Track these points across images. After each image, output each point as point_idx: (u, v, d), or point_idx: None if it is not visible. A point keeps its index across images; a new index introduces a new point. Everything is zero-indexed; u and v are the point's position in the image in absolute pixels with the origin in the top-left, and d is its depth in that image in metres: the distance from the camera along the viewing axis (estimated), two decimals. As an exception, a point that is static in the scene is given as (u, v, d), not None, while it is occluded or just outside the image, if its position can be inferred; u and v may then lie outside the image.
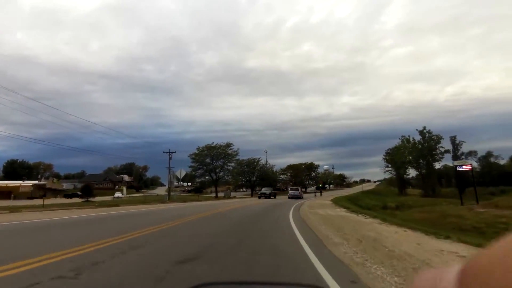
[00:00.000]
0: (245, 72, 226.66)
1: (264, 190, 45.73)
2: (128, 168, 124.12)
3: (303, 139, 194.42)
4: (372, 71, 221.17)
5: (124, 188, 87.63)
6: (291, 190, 45.90)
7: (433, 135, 65.85)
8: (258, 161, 76.08)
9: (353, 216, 13.48)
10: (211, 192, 78.72)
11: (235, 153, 67.90)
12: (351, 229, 8.39)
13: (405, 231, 8.27)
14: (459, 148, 70.70)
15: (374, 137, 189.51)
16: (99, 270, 3.75)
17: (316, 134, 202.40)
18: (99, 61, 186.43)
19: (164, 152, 48.36)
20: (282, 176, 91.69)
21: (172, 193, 44.78)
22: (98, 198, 43.04)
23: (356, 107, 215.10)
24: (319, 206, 20.42)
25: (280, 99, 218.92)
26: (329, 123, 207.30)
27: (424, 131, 66.40)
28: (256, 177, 74.43)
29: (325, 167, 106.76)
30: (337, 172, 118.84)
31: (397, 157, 71.30)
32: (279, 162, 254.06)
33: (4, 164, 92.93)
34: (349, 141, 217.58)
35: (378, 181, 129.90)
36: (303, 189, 62.56)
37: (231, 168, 70.55)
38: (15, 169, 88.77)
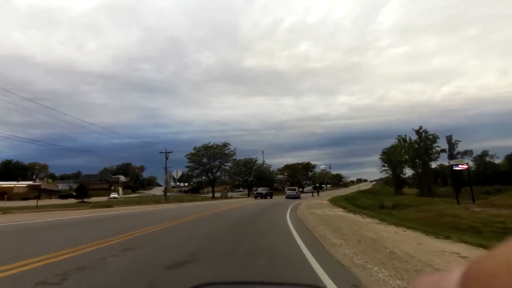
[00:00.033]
0: (243, 72, 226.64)
1: (260, 190, 45.16)
2: (125, 169, 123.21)
3: (300, 139, 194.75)
4: (369, 71, 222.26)
5: (120, 189, 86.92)
6: (288, 190, 46.09)
7: (429, 135, 66.21)
8: (255, 161, 75.90)
9: (350, 216, 13.36)
10: (208, 192, 78.37)
11: (232, 153, 67.70)
12: (349, 230, 8.24)
13: (404, 231, 8.15)
14: (455, 147, 71.18)
15: (371, 137, 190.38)
16: (86, 275, 3.55)
17: (313, 134, 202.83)
18: (95, 61, 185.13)
19: (160, 152, 48.06)
20: (279, 176, 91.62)
21: (168, 194, 44.43)
22: (93, 199, 42.57)
23: (353, 107, 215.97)
24: (316, 206, 20.29)
25: (278, 99, 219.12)
26: (326, 123, 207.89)
27: (421, 130, 66.75)
28: (253, 177, 74.20)
29: (322, 166, 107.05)
30: (334, 172, 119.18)
31: (393, 156, 71.54)
32: (276, 162, 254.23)
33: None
34: (346, 140, 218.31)
35: (374, 180, 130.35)
36: (300, 189, 62.48)
37: (228, 168, 70.30)
38: (9, 169, 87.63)
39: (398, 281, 3.46)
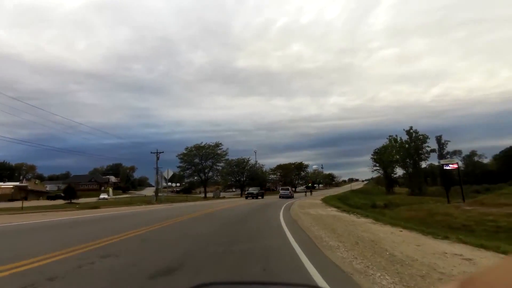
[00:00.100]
0: (235, 72, 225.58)
1: (251, 190, 44.20)
2: (115, 169, 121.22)
3: (293, 139, 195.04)
4: (359, 72, 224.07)
5: (110, 189, 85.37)
6: (282, 189, 46.39)
7: (419, 135, 67.04)
8: (248, 161, 75.55)
9: (344, 215, 13.13)
10: (200, 193, 77.64)
11: (224, 153, 67.20)
12: (345, 230, 7.96)
13: (400, 231, 7.92)
14: (444, 147, 72.04)
15: (362, 137, 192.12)
16: (56, 287, 3.14)
17: (306, 135, 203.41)
18: (85, 60, 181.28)
19: (151, 152, 47.23)
20: (272, 176, 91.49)
21: (160, 194, 43.66)
22: (82, 200, 41.45)
23: (344, 108, 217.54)
24: (309, 205, 20.05)
25: (270, 99, 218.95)
26: (318, 124, 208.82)
27: (411, 131, 67.52)
28: (245, 177, 73.80)
29: (315, 166, 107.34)
30: (326, 172, 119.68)
31: (384, 156, 72.22)
32: (269, 162, 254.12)
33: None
34: (338, 141, 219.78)
35: (366, 180, 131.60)
36: (293, 189, 62.42)
37: (220, 168, 69.75)
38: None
39: (404, 289, 3.15)
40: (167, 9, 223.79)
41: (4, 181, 69.02)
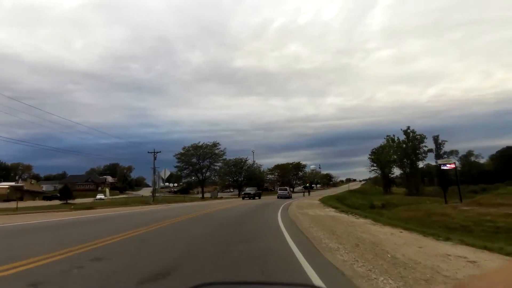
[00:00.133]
0: (232, 72, 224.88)
1: (248, 190, 43.05)
2: (112, 169, 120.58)
3: (290, 139, 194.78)
4: (357, 72, 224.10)
5: (107, 190, 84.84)
6: (280, 190, 46.26)
7: (416, 135, 67.16)
8: (245, 161, 75.35)
9: (343, 216, 12.99)
10: (197, 193, 77.28)
11: (221, 152, 66.85)
12: (344, 231, 7.81)
13: (401, 232, 7.78)
14: (441, 147, 72.31)
15: (360, 137, 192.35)
16: (40, 293, 2.95)
17: (303, 135, 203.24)
18: (82, 60, 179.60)
19: (148, 152, 46.94)
20: (270, 176, 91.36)
21: (157, 194, 43.38)
22: (78, 200, 41.06)
23: (341, 108, 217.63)
24: (307, 206, 19.90)
25: (267, 99, 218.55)
26: (316, 124, 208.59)
27: (408, 130, 67.62)
28: (243, 177, 73.58)
29: (312, 166, 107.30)
30: (324, 172, 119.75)
31: (382, 156, 72.32)
32: (267, 162, 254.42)
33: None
34: (335, 141, 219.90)
35: (363, 180, 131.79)
36: (291, 189, 62.33)
37: (218, 168, 69.43)
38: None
39: (409, 294, 3.00)
40: (164, 9, 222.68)
41: (-1, 181, 68.36)
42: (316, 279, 3.44)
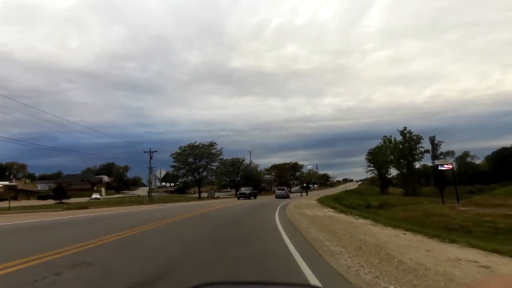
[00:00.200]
0: (230, 72, 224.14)
1: (243, 190, 41.70)
2: (108, 169, 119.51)
3: (288, 140, 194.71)
4: (354, 73, 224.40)
5: (103, 189, 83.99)
6: (278, 190, 46.23)
7: (413, 135, 67.25)
8: (243, 160, 74.89)
9: (342, 216, 12.69)
10: (194, 193, 76.76)
11: (218, 152, 66.37)
12: (345, 233, 7.49)
13: (404, 233, 7.48)
14: (438, 148, 72.43)
15: (357, 138, 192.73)
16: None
17: (300, 135, 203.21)
18: (78, 58, 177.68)
19: (144, 152, 46.34)
20: (267, 176, 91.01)
21: (153, 194, 42.86)
22: (73, 200, 40.41)
23: (339, 108, 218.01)
24: (305, 206, 19.60)
25: (265, 100, 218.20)
26: (313, 124, 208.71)
27: (405, 131, 67.68)
28: (240, 177, 73.14)
29: (309, 167, 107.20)
30: (321, 172, 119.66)
31: (379, 156, 72.34)
32: (264, 162, 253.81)
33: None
34: (333, 141, 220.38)
35: (360, 180, 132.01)
36: (288, 189, 62.08)
37: (215, 168, 68.94)
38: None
39: (425, 306, 2.67)
40: (161, 8, 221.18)
41: (-7, 181, 67.34)
42: (320, 288, 3.10)
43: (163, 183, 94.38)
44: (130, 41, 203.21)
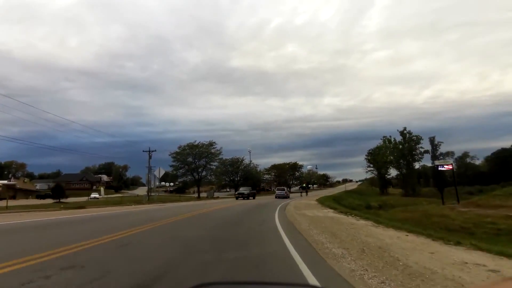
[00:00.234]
0: (229, 71, 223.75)
1: (241, 190, 40.59)
2: (107, 168, 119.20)
3: (287, 140, 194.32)
4: (353, 73, 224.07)
5: (102, 189, 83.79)
6: (278, 190, 46.31)
7: (413, 136, 67.12)
8: (242, 160, 74.71)
9: (343, 217, 12.53)
10: (193, 192, 76.50)
11: (218, 152, 66.14)
12: (346, 234, 7.32)
13: (406, 235, 7.31)
14: (437, 148, 72.41)
15: (356, 138, 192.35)
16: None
17: (300, 135, 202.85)
18: (77, 57, 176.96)
19: (143, 151, 46.15)
20: (266, 176, 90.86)
21: (153, 194, 42.67)
22: (72, 199, 40.22)
23: (338, 108, 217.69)
24: (305, 206, 19.43)
25: (265, 99, 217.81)
26: (313, 124, 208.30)
27: (405, 131, 67.55)
28: (239, 177, 72.94)
29: (309, 167, 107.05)
30: (321, 172, 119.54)
31: (378, 157, 72.20)
32: (263, 162, 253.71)
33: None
34: (332, 141, 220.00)
35: (360, 181, 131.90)
36: (288, 189, 61.96)
37: (214, 167, 68.72)
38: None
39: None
40: (160, 8, 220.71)
41: (-9, 179, 67.07)
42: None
43: (163, 183, 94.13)
44: (130, 40, 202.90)
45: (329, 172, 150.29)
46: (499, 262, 4.49)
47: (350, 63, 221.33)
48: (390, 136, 70.10)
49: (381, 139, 72.84)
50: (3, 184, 62.16)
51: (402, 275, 3.66)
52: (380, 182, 76.30)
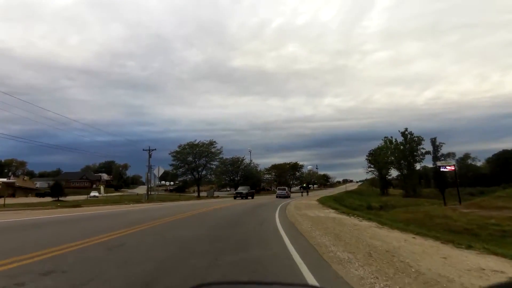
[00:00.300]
0: (230, 71, 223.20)
1: (240, 189, 39.48)
2: (108, 167, 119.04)
3: (288, 140, 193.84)
4: (354, 73, 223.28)
5: (102, 187, 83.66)
6: (279, 189, 46.27)
7: (414, 137, 66.75)
8: (242, 160, 74.36)
9: (345, 218, 12.20)
10: (193, 192, 76.19)
11: (218, 151, 65.78)
12: (350, 236, 6.98)
13: (414, 238, 6.97)
14: (439, 149, 71.96)
15: (357, 138, 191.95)
16: None
17: (301, 135, 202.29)
18: (78, 56, 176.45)
19: (143, 150, 45.83)
20: (267, 176, 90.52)
21: (152, 192, 42.37)
22: (71, 198, 39.99)
23: (339, 109, 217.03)
24: (306, 206, 19.11)
25: (265, 99, 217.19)
26: (313, 124, 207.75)
27: (406, 132, 67.16)
28: (240, 177, 72.62)
29: (309, 167, 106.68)
30: (321, 172, 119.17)
31: (379, 157, 71.87)
32: (264, 162, 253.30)
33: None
34: (333, 142, 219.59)
35: (360, 181, 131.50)
36: (289, 189, 61.69)
37: (214, 167, 68.38)
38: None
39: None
40: (161, 7, 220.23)
41: (-9, 177, 66.92)
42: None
43: (163, 182, 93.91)
44: (130, 39, 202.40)
45: (329, 173, 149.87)
46: (519, 269, 4.16)
47: (351, 63, 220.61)
48: (391, 137, 69.75)
49: (382, 139, 72.50)
50: (2, 182, 61.94)
51: (417, 284, 3.32)
52: (381, 183, 75.96)
